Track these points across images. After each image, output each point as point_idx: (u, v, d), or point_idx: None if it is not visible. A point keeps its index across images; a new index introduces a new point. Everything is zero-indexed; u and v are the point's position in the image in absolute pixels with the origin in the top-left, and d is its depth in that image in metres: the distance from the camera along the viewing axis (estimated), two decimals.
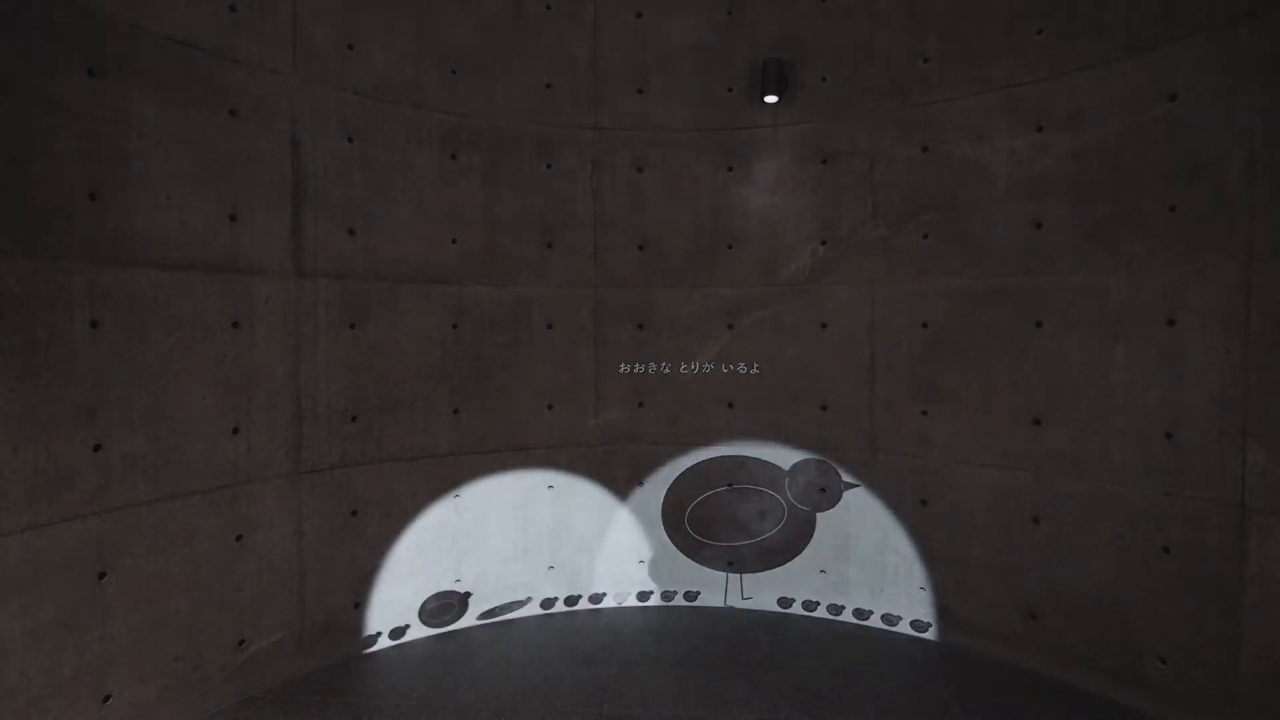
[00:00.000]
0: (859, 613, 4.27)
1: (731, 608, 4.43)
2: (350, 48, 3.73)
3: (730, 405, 4.48)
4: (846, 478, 4.23)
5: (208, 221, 3.17)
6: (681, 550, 4.52)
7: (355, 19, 3.74)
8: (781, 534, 4.42)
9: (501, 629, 4.14)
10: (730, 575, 4.46)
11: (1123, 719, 3.20)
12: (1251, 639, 2.89)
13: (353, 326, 3.76)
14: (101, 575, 2.80)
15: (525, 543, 4.36)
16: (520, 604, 4.33)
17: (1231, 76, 2.96)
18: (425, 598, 4.06)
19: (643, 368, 4.50)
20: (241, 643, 3.33)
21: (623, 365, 4.49)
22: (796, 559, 4.40)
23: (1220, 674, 2.99)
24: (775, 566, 4.43)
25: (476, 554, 4.23)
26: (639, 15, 4.43)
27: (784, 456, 4.41)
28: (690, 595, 4.50)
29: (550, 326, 4.40)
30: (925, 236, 4.01)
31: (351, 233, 3.75)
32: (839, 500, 4.29)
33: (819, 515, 4.36)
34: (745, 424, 4.47)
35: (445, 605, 4.12)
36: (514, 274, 4.30)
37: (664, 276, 4.49)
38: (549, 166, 4.36)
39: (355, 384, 3.77)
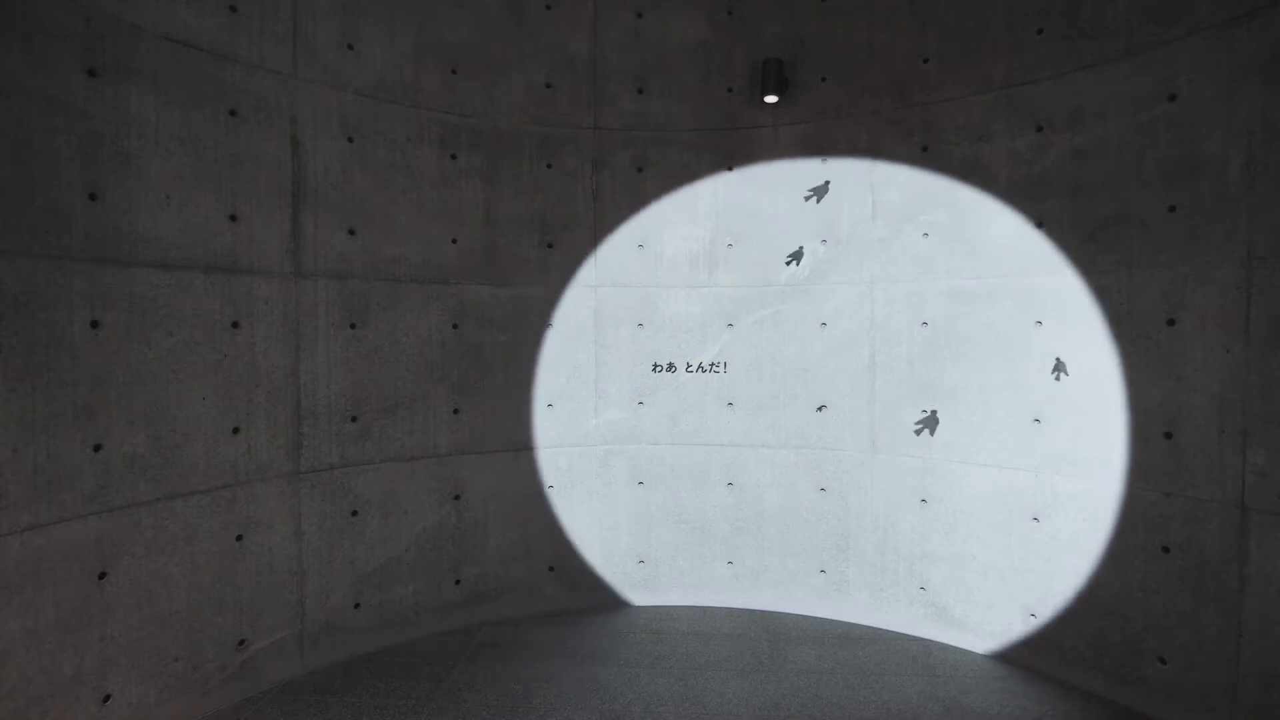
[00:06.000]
0: (858, 613, 4.26)
1: (728, 607, 4.43)
2: (350, 48, 3.73)
3: (730, 405, 4.48)
4: None
5: (208, 221, 3.17)
6: (681, 548, 4.53)
7: (355, 19, 3.74)
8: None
9: (502, 629, 4.14)
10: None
11: (1123, 719, 3.20)
12: (1251, 639, 2.89)
13: (353, 326, 3.76)
14: (101, 575, 2.80)
15: (525, 543, 4.36)
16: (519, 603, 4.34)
17: (1231, 76, 2.96)
18: None
19: (643, 367, 4.50)
20: (241, 643, 3.33)
21: (623, 365, 4.49)
22: (796, 560, 4.40)
23: (1220, 674, 2.99)
24: (774, 564, 4.44)
25: (477, 554, 4.23)
26: (639, 15, 4.43)
27: (783, 456, 4.42)
28: (690, 594, 4.51)
29: (550, 326, 4.40)
30: (925, 236, 4.02)
31: (351, 233, 3.75)
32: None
33: (820, 514, 4.36)
34: (745, 423, 4.47)
35: None
36: (514, 274, 4.31)
37: (664, 276, 4.49)
38: (549, 166, 4.36)
39: (355, 384, 3.77)
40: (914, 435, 4.03)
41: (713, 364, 4.50)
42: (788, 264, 4.37)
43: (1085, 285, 3.44)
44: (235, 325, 3.27)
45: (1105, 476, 3.37)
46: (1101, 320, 3.38)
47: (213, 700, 3.20)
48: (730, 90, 4.44)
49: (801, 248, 4.35)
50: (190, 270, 3.11)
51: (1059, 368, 3.38)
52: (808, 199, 4.33)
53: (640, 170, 4.46)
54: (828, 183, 4.29)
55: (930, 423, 3.87)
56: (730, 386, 4.48)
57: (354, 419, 3.77)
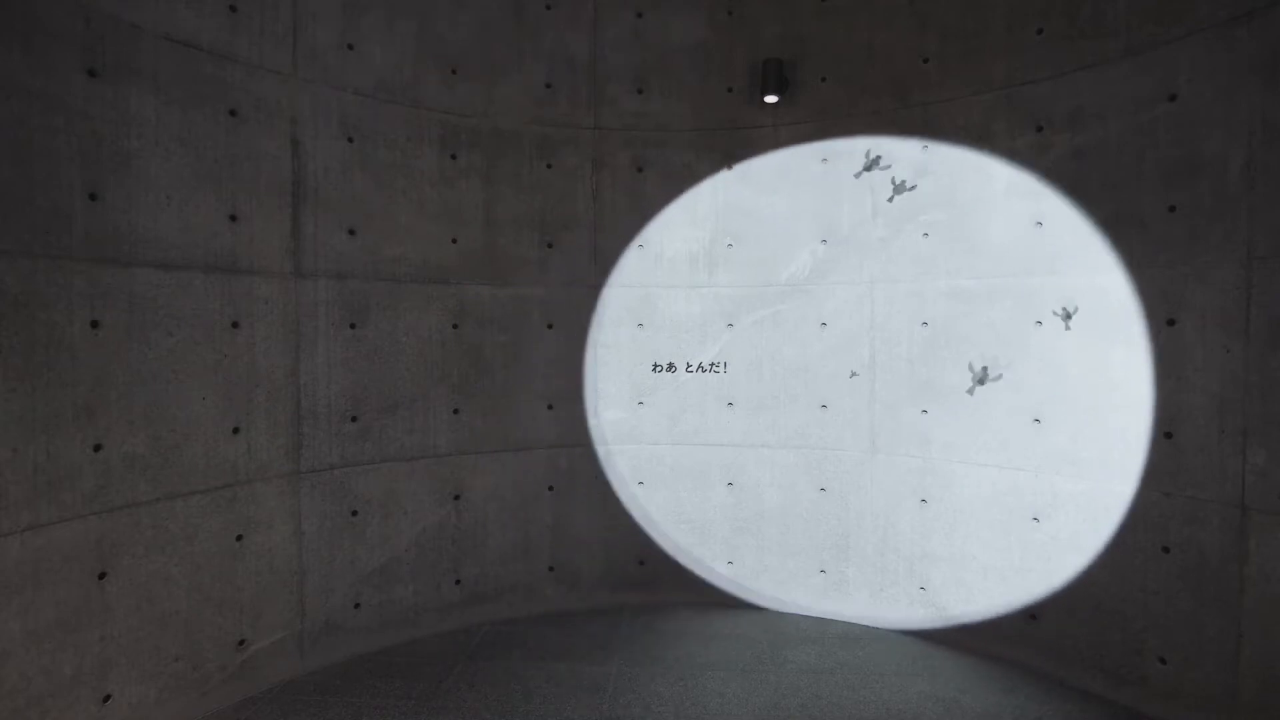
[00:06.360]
0: (858, 613, 4.27)
1: (728, 607, 4.44)
2: (350, 48, 3.73)
3: (730, 405, 4.48)
4: None
5: (208, 221, 3.17)
6: (680, 549, 4.53)
7: (355, 19, 3.74)
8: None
9: (502, 629, 4.14)
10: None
11: (1123, 719, 3.20)
12: (1251, 639, 2.90)
13: (353, 326, 3.76)
14: (101, 575, 2.80)
15: (525, 543, 4.36)
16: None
17: (1231, 76, 2.96)
18: None
19: (643, 368, 4.50)
20: (241, 643, 3.33)
21: (623, 365, 4.49)
22: (796, 560, 4.40)
23: (1220, 674, 2.99)
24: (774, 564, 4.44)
25: (477, 554, 4.23)
26: (639, 15, 4.43)
27: (783, 456, 4.42)
28: (688, 594, 4.51)
29: (550, 326, 4.40)
30: (925, 236, 4.02)
31: (351, 233, 3.75)
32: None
33: (820, 514, 4.36)
34: (745, 423, 4.47)
35: None
36: (514, 274, 4.31)
37: (664, 276, 4.49)
38: (549, 166, 4.36)
39: (355, 384, 3.77)
40: (968, 395, 3.87)
41: (713, 364, 4.50)
42: (788, 264, 4.30)
43: (1084, 285, 3.44)
44: (235, 325, 3.27)
45: (1105, 476, 3.37)
46: (1101, 320, 3.38)
47: (213, 700, 3.20)
48: (730, 90, 4.44)
49: (801, 248, 4.34)
50: (190, 270, 3.11)
51: (1065, 316, 3.35)
52: (858, 175, 4.21)
53: (640, 170, 4.47)
54: (877, 157, 4.17)
55: (983, 379, 3.78)
56: (730, 386, 4.48)
57: (354, 419, 3.77)
